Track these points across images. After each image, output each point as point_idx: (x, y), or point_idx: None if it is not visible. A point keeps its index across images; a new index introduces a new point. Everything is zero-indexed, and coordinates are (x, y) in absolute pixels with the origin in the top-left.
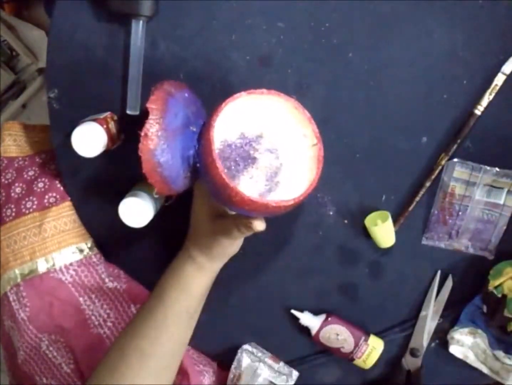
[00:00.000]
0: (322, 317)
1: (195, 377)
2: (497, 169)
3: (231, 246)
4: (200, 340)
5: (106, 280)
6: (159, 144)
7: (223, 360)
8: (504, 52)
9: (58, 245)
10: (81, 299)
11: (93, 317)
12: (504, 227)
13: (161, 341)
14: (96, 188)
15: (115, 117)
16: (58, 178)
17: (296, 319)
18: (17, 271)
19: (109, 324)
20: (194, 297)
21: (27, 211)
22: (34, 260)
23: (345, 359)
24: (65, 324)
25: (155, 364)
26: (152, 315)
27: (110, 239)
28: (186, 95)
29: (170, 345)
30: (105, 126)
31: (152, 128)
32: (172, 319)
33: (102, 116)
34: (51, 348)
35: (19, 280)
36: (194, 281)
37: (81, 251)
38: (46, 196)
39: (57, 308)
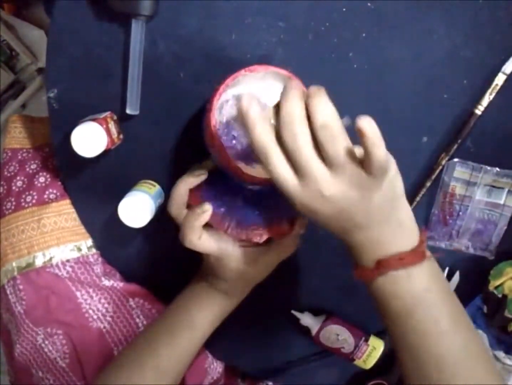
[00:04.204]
0: (322, 317)
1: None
2: (497, 169)
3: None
4: None
5: (103, 278)
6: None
7: (223, 360)
8: (504, 52)
9: (57, 241)
10: (78, 293)
11: (90, 311)
12: (505, 227)
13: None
14: (96, 188)
15: (115, 117)
16: (59, 174)
17: (296, 319)
18: (14, 264)
19: (108, 318)
20: (213, 326)
21: (26, 205)
22: (32, 254)
23: (345, 359)
24: (63, 317)
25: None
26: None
27: (109, 239)
28: None
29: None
30: (104, 126)
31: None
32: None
33: (102, 116)
34: (46, 342)
35: (15, 273)
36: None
37: (79, 249)
38: (47, 192)
39: (54, 301)
